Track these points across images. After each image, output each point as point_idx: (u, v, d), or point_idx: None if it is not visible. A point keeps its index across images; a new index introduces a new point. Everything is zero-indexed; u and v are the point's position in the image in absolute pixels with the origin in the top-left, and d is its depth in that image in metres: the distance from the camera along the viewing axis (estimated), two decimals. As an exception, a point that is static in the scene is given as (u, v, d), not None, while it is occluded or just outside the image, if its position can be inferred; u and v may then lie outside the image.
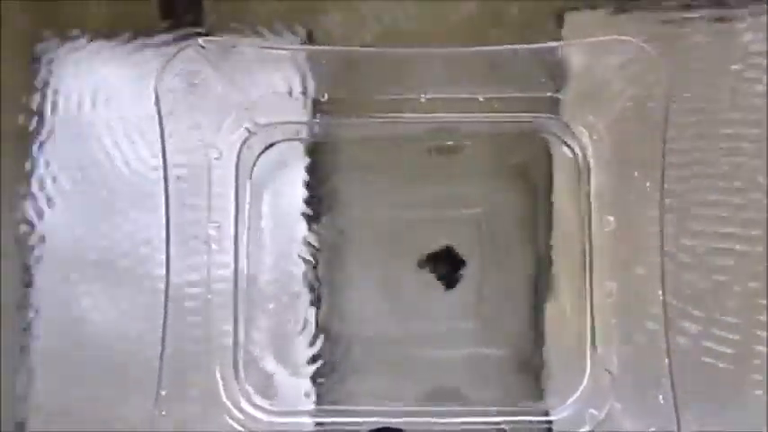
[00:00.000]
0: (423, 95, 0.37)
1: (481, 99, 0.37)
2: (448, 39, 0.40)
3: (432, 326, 0.39)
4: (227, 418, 0.36)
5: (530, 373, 0.39)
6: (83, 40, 0.41)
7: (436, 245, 0.39)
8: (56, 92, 0.40)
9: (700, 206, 0.38)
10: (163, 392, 0.33)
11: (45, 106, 0.40)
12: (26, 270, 0.40)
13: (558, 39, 0.39)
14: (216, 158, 0.37)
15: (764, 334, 0.38)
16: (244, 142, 0.38)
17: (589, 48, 0.35)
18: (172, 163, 0.35)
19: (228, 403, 0.37)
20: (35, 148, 0.40)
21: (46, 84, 0.41)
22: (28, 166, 0.40)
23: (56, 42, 0.41)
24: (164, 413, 0.33)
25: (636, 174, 0.35)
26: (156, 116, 0.34)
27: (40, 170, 0.40)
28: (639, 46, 0.33)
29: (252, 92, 0.37)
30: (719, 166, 0.39)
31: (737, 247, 0.38)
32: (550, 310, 0.39)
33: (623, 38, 0.34)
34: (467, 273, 0.39)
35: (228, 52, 0.35)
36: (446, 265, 0.39)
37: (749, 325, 0.38)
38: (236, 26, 0.40)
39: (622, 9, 0.39)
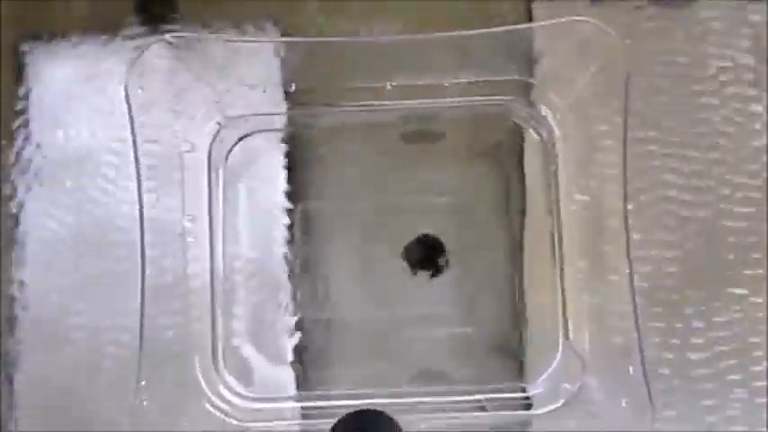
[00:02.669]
0: (389, 83, 0.38)
1: (447, 84, 0.38)
2: (417, 26, 0.40)
3: (410, 310, 0.40)
4: (208, 405, 0.37)
5: (507, 351, 0.39)
6: (59, 37, 0.41)
7: (413, 231, 0.40)
8: (34, 87, 0.41)
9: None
10: (143, 382, 0.34)
11: (26, 103, 0.41)
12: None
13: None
14: (188, 152, 0.38)
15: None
16: (215, 135, 0.39)
17: (550, 30, 0.36)
18: (144, 157, 0.35)
19: (208, 391, 0.37)
20: (18, 142, 0.41)
21: (25, 81, 0.41)
22: (8, 160, 0.41)
23: (35, 40, 0.41)
24: (144, 402, 0.34)
25: (599, 152, 0.36)
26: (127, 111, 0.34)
27: (19, 164, 0.41)
28: (598, 27, 0.34)
29: (221, 85, 0.38)
30: (682, 144, 0.39)
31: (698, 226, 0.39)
32: (525, 289, 0.39)
33: (582, 18, 0.34)
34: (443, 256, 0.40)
35: (197, 46, 0.36)
36: (424, 252, 0.40)
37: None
38: (208, 22, 0.40)
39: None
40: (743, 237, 0.39)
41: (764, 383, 0.38)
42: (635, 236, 0.36)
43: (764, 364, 0.38)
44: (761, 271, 0.39)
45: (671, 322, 0.39)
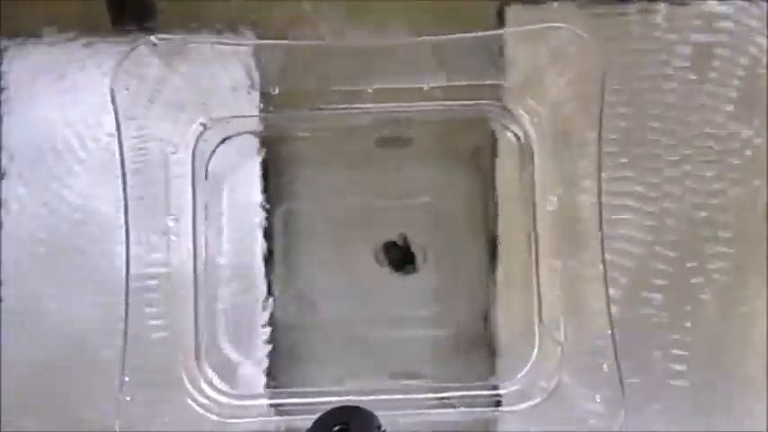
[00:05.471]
0: (369, 87, 0.38)
1: (426, 88, 0.39)
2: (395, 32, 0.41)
3: (386, 311, 0.41)
4: (189, 401, 0.37)
5: (483, 351, 0.40)
6: (40, 41, 0.41)
7: (390, 233, 0.41)
8: (14, 91, 0.41)
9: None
10: (126, 378, 0.34)
11: (2, 106, 0.41)
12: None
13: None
14: (172, 152, 0.38)
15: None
16: (199, 136, 0.40)
17: (526, 35, 0.36)
18: (129, 158, 0.35)
19: (190, 387, 0.38)
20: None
21: (4, 84, 0.41)
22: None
23: (14, 43, 0.41)
24: (128, 398, 0.34)
25: (575, 153, 0.37)
26: (113, 113, 0.35)
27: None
28: (573, 32, 0.34)
29: (206, 87, 0.38)
30: (652, 145, 0.40)
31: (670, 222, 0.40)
32: (500, 289, 0.40)
33: (558, 24, 0.35)
34: (420, 258, 0.41)
35: (181, 49, 0.36)
36: (399, 254, 0.41)
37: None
38: (188, 25, 0.41)
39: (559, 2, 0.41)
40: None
41: None
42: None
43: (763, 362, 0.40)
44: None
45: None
